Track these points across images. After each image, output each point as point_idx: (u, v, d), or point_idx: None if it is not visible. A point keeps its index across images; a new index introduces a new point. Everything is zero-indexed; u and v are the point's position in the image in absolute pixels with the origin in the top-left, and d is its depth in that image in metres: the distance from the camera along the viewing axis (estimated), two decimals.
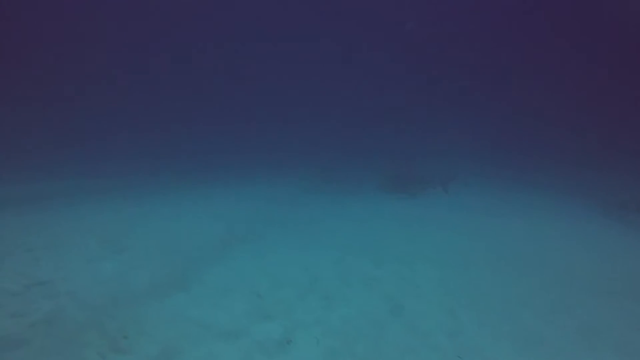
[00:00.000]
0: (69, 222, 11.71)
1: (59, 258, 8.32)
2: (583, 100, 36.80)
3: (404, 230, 11.38)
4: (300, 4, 44.38)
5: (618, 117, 34.19)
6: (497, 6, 40.18)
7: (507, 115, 39.43)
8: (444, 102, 44.16)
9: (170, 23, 45.56)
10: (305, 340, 5.22)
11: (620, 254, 9.23)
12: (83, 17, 41.56)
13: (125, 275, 7.48)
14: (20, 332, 5.15)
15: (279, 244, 9.98)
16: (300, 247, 9.62)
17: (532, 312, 6.06)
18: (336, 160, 28.42)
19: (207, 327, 5.53)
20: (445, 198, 17.36)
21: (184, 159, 32.89)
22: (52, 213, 13.00)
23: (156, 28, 45.79)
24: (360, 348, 5.06)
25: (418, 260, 8.64)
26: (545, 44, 40.35)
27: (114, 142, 36.75)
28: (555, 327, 5.64)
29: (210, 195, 18.55)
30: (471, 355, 4.90)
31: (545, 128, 35.75)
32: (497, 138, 35.07)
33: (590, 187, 20.97)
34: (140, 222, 12.15)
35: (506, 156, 30.24)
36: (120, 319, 5.64)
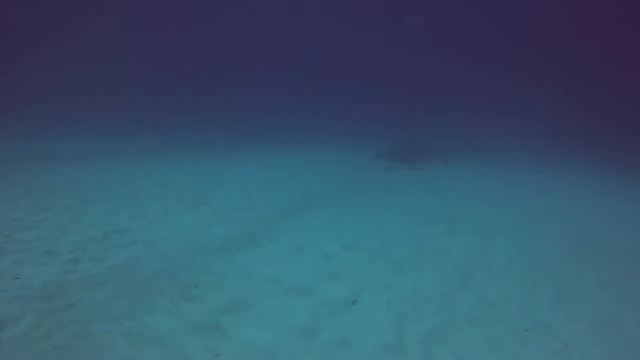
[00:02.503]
0: (148, 177, 12.07)
1: (137, 209, 8.60)
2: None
3: (471, 202, 11.19)
4: None
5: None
6: None
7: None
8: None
9: None
10: (371, 303, 5.20)
11: None
12: None
13: (200, 229, 7.66)
14: (98, 274, 5.37)
15: (351, 207, 9.98)
16: (372, 212, 9.59)
17: (611, 296, 5.81)
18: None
19: (276, 282, 5.59)
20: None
21: (262, 120, 33.30)
22: (133, 168, 13.42)
23: None
24: (427, 314, 5.01)
25: (490, 232, 8.46)
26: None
27: (193, 102, 37.53)
28: (634, 314, 5.39)
29: (286, 157, 18.75)
30: (540, 330, 4.76)
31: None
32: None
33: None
34: (218, 180, 12.41)
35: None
36: (194, 270, 5.78)
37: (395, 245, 7.40)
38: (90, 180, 11.24)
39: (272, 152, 20.95)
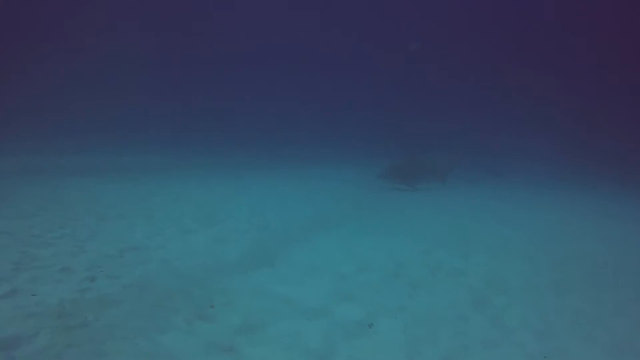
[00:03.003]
0: (163, 194, 12.15)
1: (153, 227, 8.66)
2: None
3: (483, 223, 11.16)
4: None
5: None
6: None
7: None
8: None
9: None
10: (387, 326, 5.17)
11: None
12: None
13: (215, 248, 7.69)
14: (114, 292, 5.38)
15: (365, 227, 9.98)
16: (386, 232, 9.57)
17: (628, 321, 5.73)
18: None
19: (290, 303, 5.58)
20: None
21: (274, 139, 33.42)
22: (148, 185, 13.52)
23: None
24: (441, 338, 4.97)
25: (505, 254, 8.41)
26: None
27: (205, 125, 37.82)
28: None
29: (300, 177, 18.78)
30: (557, 357, 4.70)
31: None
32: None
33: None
34: (232, 198, 12.47)
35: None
36: (208, 288, 5.79)
37: (410, 267, 7.36)
38: (107, 197, 11.33)
39: (277, 170, 21.03)
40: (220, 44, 50.78)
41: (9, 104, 30.94)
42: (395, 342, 4.76)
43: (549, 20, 43.29)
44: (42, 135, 25.49)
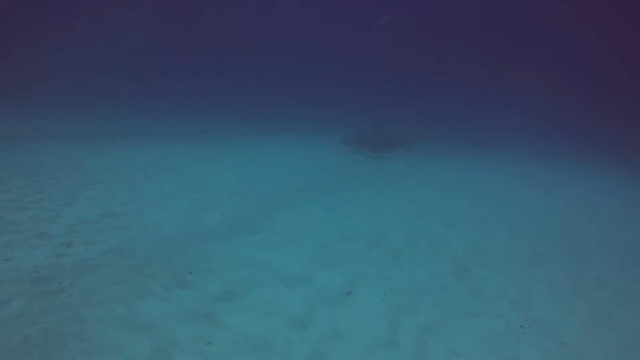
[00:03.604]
0: (144, 160, 12.00)
1: (132, 193, 8.54)
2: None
3: (467, 194, 11.18)
4: None
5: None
6: None
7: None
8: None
9: None
10: (367, 294, 5.15)
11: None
12: None
13: (196, 214, 7.61)
14: (91, 258, 5.30)
15: (348, 196, 9.94)
16: (369, 202, 9.55)
17: (607, 293, 5.77)
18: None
19: (271, 270, 5.54)
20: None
21: (260, 108, 33.18)
22: (130, 150, 13.35)
23: None
24: (422, 307, 4.96)
25: (487, 225, 8.44)
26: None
27: (191, 87, 37.43)
28: (631, 311, 5.35)
29: (284, 144, 18.69)
30: (536, 327, 4.71)
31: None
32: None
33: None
34: (215, 165, 12.35)
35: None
36: (188, 255, 5.72)
37: (392, 236, 7.35)
38: (87, 162, 11.16)
39: (257, 138, 20.90)
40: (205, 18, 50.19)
41: None
42: (376, 311, 4.74)
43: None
44: (18, 99, 25.01)
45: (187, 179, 10.16)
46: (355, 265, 6.00)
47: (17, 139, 13.92)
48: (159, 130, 20.57)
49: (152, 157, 12.71)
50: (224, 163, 13.04)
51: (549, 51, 40.89)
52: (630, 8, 35.63)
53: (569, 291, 5.71)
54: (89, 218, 6.79)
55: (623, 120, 31.50)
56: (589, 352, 4.31)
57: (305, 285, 5.23)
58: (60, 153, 12.09)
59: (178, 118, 26.59)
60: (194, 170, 11.41)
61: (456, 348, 4.17)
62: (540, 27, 41.61)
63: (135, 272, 5.05)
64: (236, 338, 3.99)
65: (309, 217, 8.09)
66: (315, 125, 28.44)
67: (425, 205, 9.67)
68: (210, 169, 11.91)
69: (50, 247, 5.50)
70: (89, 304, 4.22)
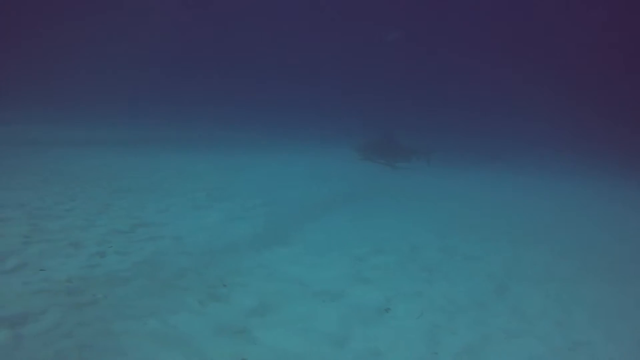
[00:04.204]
0: (173, 169, 12.03)
1: (164, 202, 8.54)
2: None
3: (495, 208, 11.03)
4: None
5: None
6: None
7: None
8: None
9: None
10: (404, 311, 5.01)
11: None
12: None
13: (228, 225, 7.57)
14: (124, 269, 5.25)
15: (378, 208, 9.83)
16: (399, 214, 9.43)
17: None
18: None
19: (305, 285, 5.44)
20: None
21: (286, 115, 33.15)
22: (157, 159, 13.41)
23: None
24: (461, 327, 4.81)
25: (521, 239, 8.26)
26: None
27: (214, 94, 37.57)
28: None
29: (315, 154, 18.65)
30: (580, 349, 4.54)
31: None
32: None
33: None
34: (247, 175, 12.37)
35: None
36: (221, 267, 5.65)
37: (425, 250, 7.21)
38: (116, 170, 11.22)
39: (279, 147, 20.83)
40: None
41: (11, 72, 30.75)
42: (414, 329, 4.60)
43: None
44: (45, 104, 25.33)
45: (217, 189, 10.14)
46: (391, 280, 5.88)
47: (45, 144, 14.05)
48: (184, 137, 20.70)
49: (181, 166, 12.75)
50: (251, 172, 13.03)
51: (572, 58, 40.30)
52: None
53: (613, 312, 5.51)
54: (121, 228, 6.77)
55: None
56: None
57: (341, 301, 5.12)
58: (92, 161, 12.18)
59: (201, 125, 26.67)
60: (223, 180, 11.40)
61: None
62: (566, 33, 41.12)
63: (169, 285, 4.99)
64: (271, 355, 3.90)
65: (340, 229, 8.00)
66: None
67: (456, 217, 9.53)
68: (239, 177, 11.89)
69: (84, 257, 5.48)
70: (122, 317, 4.16)
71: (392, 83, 46.21)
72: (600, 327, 5.04)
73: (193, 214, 8.01)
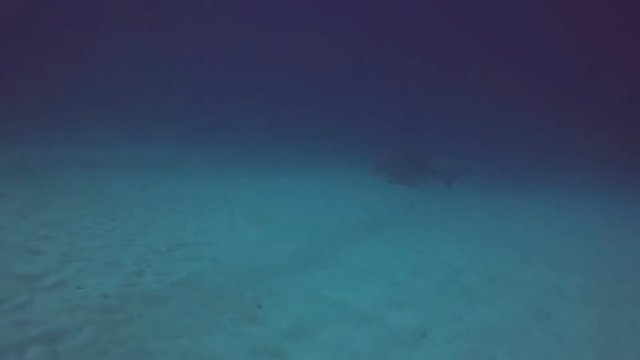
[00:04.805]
0: (214, 190, 12.11)
1: (203, 223, 8.56)
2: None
3: (536, 229, 10.80)
4: None
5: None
6: None
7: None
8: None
9: None
10: (441, 336, 4.89)
11: None
12: None
13: (266, 247, 7.54)
14: (161, 289, 5.25)
15: (419, 232, 9.70)
16: (438, 237, 9.28)
17: None
18: None
19: (342, 308, 5.35)
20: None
21: (324, 137, 33.16)
22: (199, 180, 13.52)
23: None
24: (500, 353, 4.65)
25: (563, 264, 8.03)
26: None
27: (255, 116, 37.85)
28: None
29: (353, 175, 18.61)
30: None
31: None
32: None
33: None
34: (284, 196, 12.36)
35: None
36: (258, 289, 5.61)
37: (465, 274, 7.06)
38: (158, 191, 11.34)
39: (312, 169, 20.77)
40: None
41: (57, 96, 31.53)
42: (451, 355, 4.47)
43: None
44: (91, 127, 25.86)
45: (256, 211, 10.14)
46: (429, 304, 5.75)
47: (88, 166, 14.31)
48: (220, 160, 20.85)
49: (219, 188, 12.80)
50: (290, 194, 13.03)
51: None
52: None
53: None
54: (160, 248, 6.79)
55: None
56: None
57: (378, 324, 5.02)
58: (131, 181, 12.33)
59: (243, 148, 26.86)
60: (262, 202, 11.41)
61: None
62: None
63: (205, 305, 4.96)
64: None
65: (378, 252, 7.90)
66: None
67: (496, 242, 9.32)
68: (278, 199, 11.90)
69: (122, 276, 5.50)
70: (157, 336, 4.13)
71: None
72: None
73: (231, 235, 8.01)
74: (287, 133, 33.86)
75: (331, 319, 5.01)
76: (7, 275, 5.07)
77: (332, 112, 42.20)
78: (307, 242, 8.11)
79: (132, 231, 7.53)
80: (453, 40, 48.00)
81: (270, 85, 47.24)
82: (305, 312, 5.12)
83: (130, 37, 42.87)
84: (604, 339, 5.17)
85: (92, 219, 7.93)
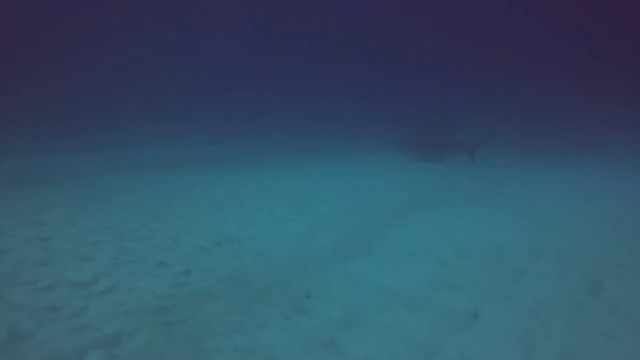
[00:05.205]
0: (253, 183, 12.15)
1: (245, 217, 8.60)
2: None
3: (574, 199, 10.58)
4: None
5: None
6: None
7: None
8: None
9: None
10: (495, 316, 4.82)
11: None
12: None
13: (309, 237, 7.54)
14: (210, 286, 5.30)
15: (460, 210, 9.59)
16: (482, 214, 9.15)
17: None
18: None
19: (391, 293, 5.33)
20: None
21: (357, 123, 33.00)
22: (234, 174, 13.57)
23: None
24: (557, 330, 4.57)
25: (617, 235, 7.81)
26: None
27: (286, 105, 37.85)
28: None
29: (390, 158, 18.48)
30: None
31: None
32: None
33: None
34: (323, 184, 12.31)
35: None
36: (305, 280, 5.62)
37: (512, 250, 6.94)
38: (199, 188, 11.42)
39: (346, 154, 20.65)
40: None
41: (99, 103, 32.05)
42: (506, 335, 4.41)
43: None
44: (126, 129, 26.19)
45: (296, 200, 10.15)
46: (478, 284, 5.68)
47: (130, 168, 14.50)
48: (261, 152, 20.90)
49: (258, 180, 12.84)
50: (326, 181, 12.97)
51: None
52: None
53: None
54: (205, 245, 6.86)
55: None
56: None
57: (428, 308, 4.98)
58: (171, 180, 12.45)
59: (277, 138, 26.91)
60: (300, 190, 11.41)
61: None
62: None
63: (254, 300, 4.99)
64: None
65: (422, 234, 7.84)
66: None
67: (540, 215, 9.10)
68: (316, 188, 11.87)
69: (171, 276, 5.56)
70: (210, 334, 4.18)
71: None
72: None
73: (274, 227, 8.03)
74: (310, 118, 33.84)
75: (381, 306, 4.99)
76: (61, 283, 5.17)
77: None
78: (350, 229, 8.08)
79: (176, 230, 7.61)
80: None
81: (297, 75, 47.28)
82: (354, 300, 5.11)
83: (159, 37, 43.30)
84: None
85: (137, 221, 8.04)
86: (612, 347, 4.23)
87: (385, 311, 4.86)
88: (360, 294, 5.27)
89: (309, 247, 6.98)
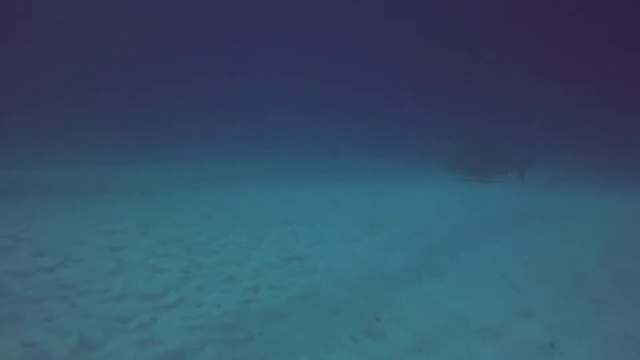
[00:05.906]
0: (323, 200, 12.11)
1: (315, 235, 8.55)
2: None
3: None
4: None
5: None
6: None
7: None
8: None
9: None
10: (572, 349, 4.53)
11: None
12: None
13: (380, 256, 7.41)
14: (279, 304, 5.23)
15: (536, 232, 9.21)
16: (560, 238, 8.75)
17: None
18: None
19: (462, 319, 5.11)
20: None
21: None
22: (304, 191, 13.58)
23: None
24: None
25: None
26: None
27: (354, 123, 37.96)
28: None
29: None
30: None
31: None
32: None
33: None
34: (393, 202, 12.15)
35: None
36: (375, 302, 5.48)
37: (592, 278, 6.56)
38: (267, 203, 11.46)
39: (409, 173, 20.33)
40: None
41: (164, 114, 32.95)
42: None
43: None
44: (197, 143, 26.73)
45: (366, 219, 10.03)
46: (556, 313, 5.37)
47: (200, 181, 14.71)
48: (330, 169, 20.88)
49: (327, 197, 12.81)
50: (398, 199, 12.78)
51: None
52: None
53: None
54: (274, 261, 6.81)
55: None
56: None
57: (502, 337, 4.73)
58: (240, 194, 12.56)
59: (346, 155, 26.88)
60: (369, 208, 11.27)
61: None
62: None
63: (323, 320, 4.88)
64: None
65: (496, 257, 7.54)
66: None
67: (620, 241, 8.60)
68: (386, 206, 11.70)
69: (239, 292, 5.52)
70: (277, 354, 4.08)
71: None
72: None
73: (344, 246, 7.93)
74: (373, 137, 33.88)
75: (452, 332, 4.79)
76: (131, 294, 5.21)
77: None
78: (422, 250, 7.88)
79: (246, 245, 7.60)
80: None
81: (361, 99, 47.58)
82: (425, 324, 4.92)
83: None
84: None
85: (206, 234, 8.10)
86: None
87: (457, 339, 4.65)
88: (431, 319, 5.08)
89: (379, 268, 6.83)
